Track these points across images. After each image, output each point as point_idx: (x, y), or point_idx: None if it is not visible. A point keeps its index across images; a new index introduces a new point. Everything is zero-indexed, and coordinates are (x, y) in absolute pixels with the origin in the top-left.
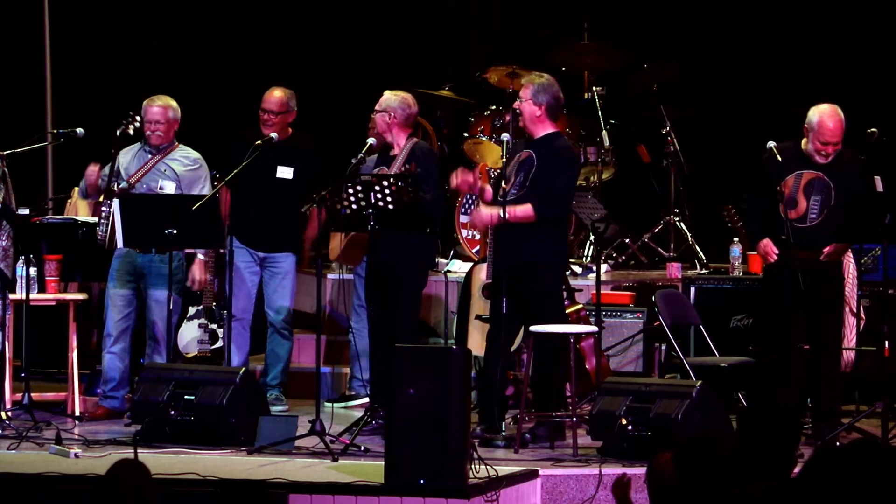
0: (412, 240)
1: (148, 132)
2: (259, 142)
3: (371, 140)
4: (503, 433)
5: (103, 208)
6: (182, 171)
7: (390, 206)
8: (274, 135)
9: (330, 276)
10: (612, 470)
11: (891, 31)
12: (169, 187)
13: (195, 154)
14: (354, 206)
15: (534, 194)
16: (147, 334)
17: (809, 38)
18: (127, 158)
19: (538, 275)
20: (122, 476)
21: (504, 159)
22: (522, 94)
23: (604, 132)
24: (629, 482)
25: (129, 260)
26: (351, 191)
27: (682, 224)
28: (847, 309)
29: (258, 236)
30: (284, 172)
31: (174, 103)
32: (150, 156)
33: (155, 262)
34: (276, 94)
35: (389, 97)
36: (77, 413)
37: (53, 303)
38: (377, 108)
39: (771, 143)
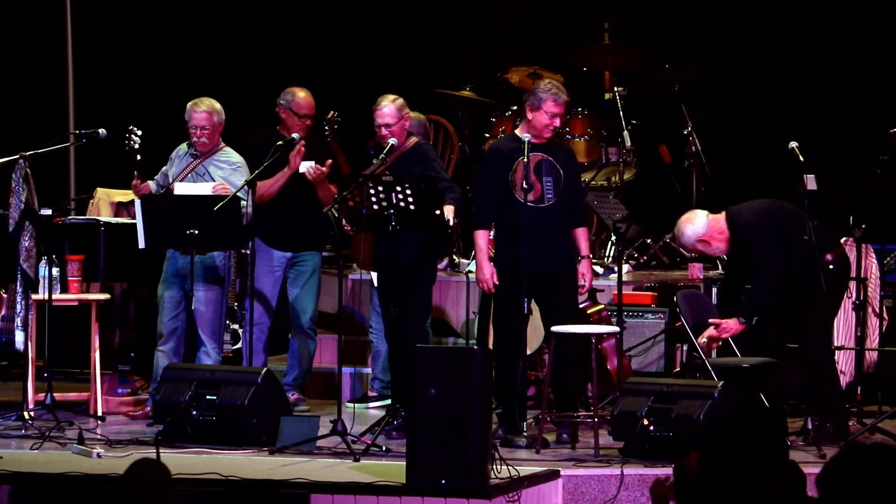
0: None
1: (193, 138)
2: (281, 142)
3: (393, 140)
4: (524, 434)
5: None
6: (220, 175)
7: (412, 207)
8: (296, 135)
9: (351, 276)
10: (634, 470)
11: None
12: (205, 190)
13: (237, 157)
14: (376, 207)
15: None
16: (197, 336)
17: (831, 38)
18: (174, 161)
19: (572, 278)
20: (141, 475)
21: (525, 160)
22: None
23: (625, 132)
24: (671, 485)
25: (174, 261)
26: (372, 191)
27: None
28: (870, 310)
29: (285, 236)
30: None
31: (218, 105)
32: (192, 159)
33: (196, 264)
34: (305, 94)
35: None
36: (100, 413)
37: (76, 303)
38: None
39: (793, 144)
